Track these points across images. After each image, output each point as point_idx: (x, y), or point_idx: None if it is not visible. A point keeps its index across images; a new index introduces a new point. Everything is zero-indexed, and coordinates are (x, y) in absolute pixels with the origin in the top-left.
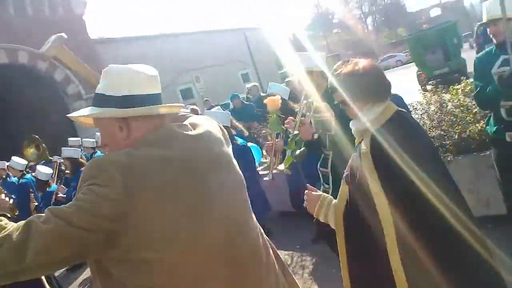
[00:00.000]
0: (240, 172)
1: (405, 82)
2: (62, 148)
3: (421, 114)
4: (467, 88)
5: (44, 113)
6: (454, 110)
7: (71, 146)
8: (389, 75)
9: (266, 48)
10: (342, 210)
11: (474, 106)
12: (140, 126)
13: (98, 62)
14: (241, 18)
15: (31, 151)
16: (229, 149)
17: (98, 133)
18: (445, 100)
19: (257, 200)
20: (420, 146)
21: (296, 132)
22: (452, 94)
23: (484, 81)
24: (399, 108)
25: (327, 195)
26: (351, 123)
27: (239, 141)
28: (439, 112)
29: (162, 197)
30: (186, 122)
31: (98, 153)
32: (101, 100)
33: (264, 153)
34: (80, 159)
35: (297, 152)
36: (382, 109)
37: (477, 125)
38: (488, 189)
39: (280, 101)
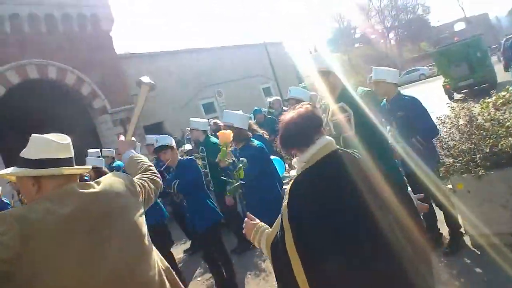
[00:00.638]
0: (139, 220)
1: (431, 96)
2: (86, 158)
3: (449, 128)
4: (499, 102)
5: (72, 126)
6: (485, 123)
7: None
8: (414, 89)
9: (287, 63)
10: (271, 239)
11: (506, 120)
12: (48, 184)
13: (123, 77)
14: (262, 32)
15: None
16: (130, 200)
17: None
18: (474, 113)
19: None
20: (332, 198)
21: (240, 165)
22: (483, 107)
23: None
24: (338, 149)
25: (263, 224)
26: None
27: (255, 142)
28: (469, 125)
29: (53, 243)
30: (98, 180)
31: (117, 162)
32: (22, 162)
33: (287, 167)
34: (104, 169)
35: (232, 186)
36: (314, 151)
37: (509, 139)
38: None
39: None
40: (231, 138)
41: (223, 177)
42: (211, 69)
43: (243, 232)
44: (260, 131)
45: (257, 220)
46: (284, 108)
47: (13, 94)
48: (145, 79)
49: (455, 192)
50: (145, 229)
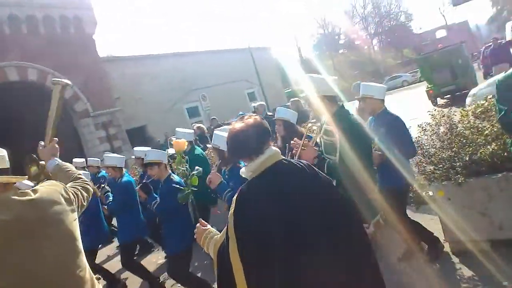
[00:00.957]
0: (72, 225)
1: (413, 102)
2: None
3: (430, 135)
4: (478, 110)
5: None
6: (465, 131)
7: (75, 167)
8: (396, 95)
9: (272, 68)
10: (218, 246)
11: (485, 128)
12: None
13: (106, 80)
14: (248, 37)
15: (33, 169)
16: (64, 207)
17: (108, 154)
18: (455, 121)
19: None
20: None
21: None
22: (463, 115)
23: (508, 104)
24: (282, 160)
25: (213, 230)
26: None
27: (242, 164)
28: (449, 133)
29: None
30: (34, 188)
31: (102, 172)
32: None
33: None
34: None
35: (184, 193)
36: (259, 162)
37: (488, 147)
38: (501, 212)
39: (187, 144)
40: (185, 147)
41: (213, 195)
42: (196, 73)
43: (195, 237)
44: None
45: (208, 226)
46: (268, 113)
47: None
48: (59, 80)
49: (435, 199)
50: (77, 233)
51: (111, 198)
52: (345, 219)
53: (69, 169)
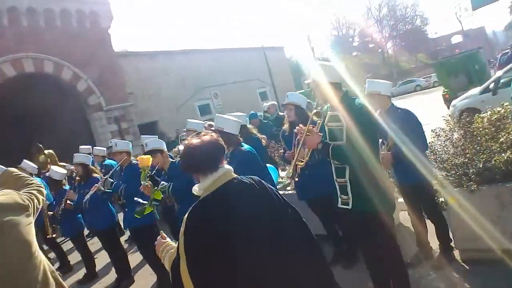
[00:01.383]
0: (26, 230)
1: (427, 108)
2: (74, 154)
3: (444, 141)
4: (494, 117)
5: (65, 122)
6: (479, 138)
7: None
8: (410, 99)
9: (285, 68)
10: (172, 261)
11: (500, 135)
12: None
13: (120, 75)
14: (261, 37)
15: (41, 157)
16: (18, 213)
17: (115, 140)
18: (469, 128)
19: None
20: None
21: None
22: (478, 122)
23: None
24: (234, 179)
25: (171, 243)
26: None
27: (245, 147)
28: (463, 139)
29: None
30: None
31: (108, 161)
32: None
33: (281, 173)
34: (92, 166)
35: (141, 208)
36: (212, 180)
37: (503, 155)
38: None
39: (151, 159)
40: (149, 163)
41: None
42: (209, 71)
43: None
44: (258, 135)
45: (168, 239)
46: (280, 113)
47: (8, 87)
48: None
49: (447, 206)
50: (31, 237)
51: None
52: (294, 230)
53: (20, 175)
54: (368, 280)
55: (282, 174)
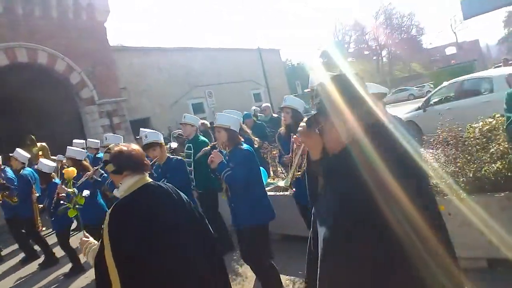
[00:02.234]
0: None
1: None
2: (67, 147)
3: (436, 150)
4: (485, 128)
5: (57, 114)
6: (471, 148)
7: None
8: (403, 107)
9: (280, 70)
10: (96, 252)
11: (491, 146)
12: None
13: (114, 68)
14: (257, 38)
15: (34, 149)
16: None
17: (107, 135)
18: (461, 138)
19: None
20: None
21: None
22: (469, 132)
23: None
24: (151, 182)
25: (93, 241)
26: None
27: (244, 146)
28: (454, 149)
29: None
30: None
31: (101, 154)
32: None
33: (272, 174)
34: (83, 161)
35: (63, 207)
36: (133, 181)
37: (493, 165)
38: (500, 231)
39: (75, 171)
40: (74, 174)
41: (212, 175)
42: (203, 69)
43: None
44: (251, 136)
45: (91, 238)
46: (274, 115)
47: (1, 76)
48: None
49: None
50: None
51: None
52: (200, 233)
53: None
54: None
55: (281, 183)
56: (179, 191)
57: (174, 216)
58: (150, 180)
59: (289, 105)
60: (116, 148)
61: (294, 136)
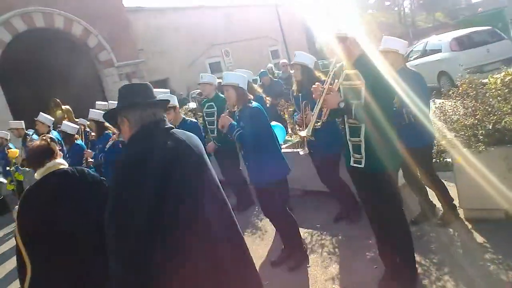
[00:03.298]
0: None
1: None
2: (90, 109)
3: (454, 102)
4: (507, 78)
5: (77, 77)
6: (490, 99)
7: (98, 109)
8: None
9: (298, 26)
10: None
11: None
12: None
13: (130, 30)
14: None
15: (58, 112)
16: None
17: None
18: (481, 89)
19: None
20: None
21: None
22: (491, 82)
23: None
24: (58, 170)
25: None
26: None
27: (253, 104)
28: (474, 101)
29: None
30: None
31: None
32: None
33: (290, 131)
34: (106, 123)
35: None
36: (43, 170)
37: None
38: None
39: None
40: (17, 155)
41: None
42: (220, 28)
43: None
44: (262, 95)
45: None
46: (291, 71)
47: (20, 42)
48: None
49: (453, 166)
50: None
51: None
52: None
53: None
54: (371, 237)
55: (302, 133)
56: (91, 174)
57: (74, 200)
58: (59, 167)
59: (299, 62)
60: (32, 145)
61: (314, 86)
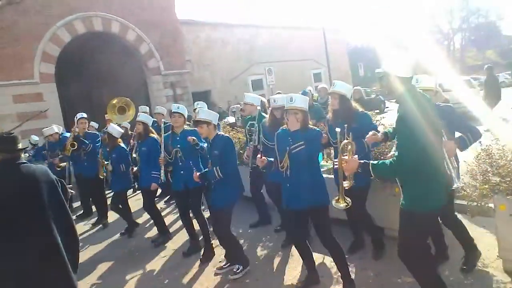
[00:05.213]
0: None
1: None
2: (139, 113)
3: (502, 146)
4: None
5: (126, 81)
6: None
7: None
8: None
9: (342, 51)
10: None
11: None
12: None
13: (180, 41)
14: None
15: (130, 113)
16: None
17: (176, 104)
18: None
19: None
20: None
21: None
22: None
23: None
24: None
25: None
26: None
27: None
28: None
29: None
30: None
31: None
32: None
33: (325, 156)
34: (150, 127)
35: None
36: None
37: None
38: None
39: None
40: None
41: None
42: (265, 46)
43: None
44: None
45: None
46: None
47: (78, 43)
48: None
49: (495, 213)
50: None
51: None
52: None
53: None
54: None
55: (341, 206)
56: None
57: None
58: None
59: (337, 91)
60: None
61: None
